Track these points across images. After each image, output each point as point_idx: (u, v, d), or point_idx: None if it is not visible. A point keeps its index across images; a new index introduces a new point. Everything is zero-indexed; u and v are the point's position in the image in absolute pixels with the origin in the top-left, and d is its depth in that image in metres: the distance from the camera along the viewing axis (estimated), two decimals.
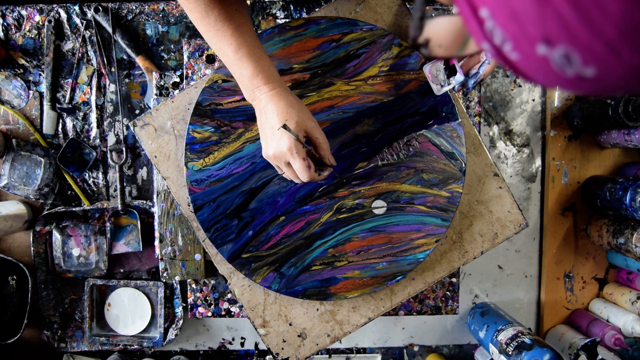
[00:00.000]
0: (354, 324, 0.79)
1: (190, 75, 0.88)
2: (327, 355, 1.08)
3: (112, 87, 1.01)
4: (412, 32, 0.39)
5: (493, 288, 1.10)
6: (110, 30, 0.98)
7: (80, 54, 1.00)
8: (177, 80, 0.91)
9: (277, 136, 0.62)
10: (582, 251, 1.07)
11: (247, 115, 0.76)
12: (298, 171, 0.62)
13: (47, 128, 1.00)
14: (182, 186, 0.78)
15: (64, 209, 0.98)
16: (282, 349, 0.79)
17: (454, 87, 0.72)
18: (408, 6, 0.79)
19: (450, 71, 0.72)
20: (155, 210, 0.86)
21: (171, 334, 1.00)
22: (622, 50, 0.23)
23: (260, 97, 0.64)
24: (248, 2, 0.98)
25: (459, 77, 0.70)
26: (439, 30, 0.45)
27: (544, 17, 0.23)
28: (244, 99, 0.75)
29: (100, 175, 1.02)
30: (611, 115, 0.90)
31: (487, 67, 0.68)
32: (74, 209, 0.98)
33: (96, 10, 0.97)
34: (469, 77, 0.70)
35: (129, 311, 1.02)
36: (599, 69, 0.24)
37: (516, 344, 0.86)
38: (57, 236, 1.00)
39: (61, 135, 1.01)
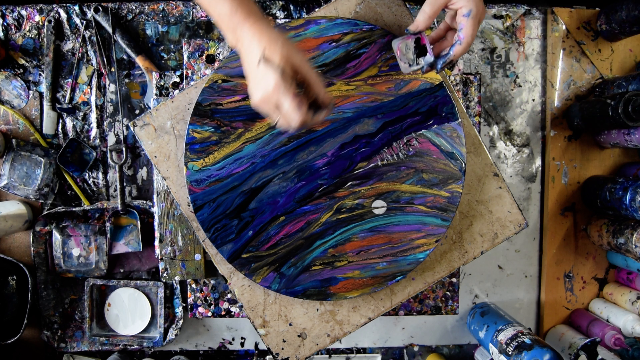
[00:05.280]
0: (354, 324, 0.79)
1: (190, 75, 0.88)
2: (327, 355, 1.08)
3: (112, 87, 1.01)
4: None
5: (493, 288, 1.10)
6: (110, 30, 0.98)
7: (80, 54, 1.00)
8: (177, 80, 0.91)
9: (261, 74, 0.56)
10: (582, 251, 1.07)
11: (247, 115, 0.76)
12: (288, 112, 0.56)
13: (47, 128, 1.00)
14: (182, 186, 0.78)
15: (64, 209, 0.98)
16: (282, 349, 0.79)
17: (422, 68, 0.69)
18: (408, 6, 0.79)
19: (420, 51, 0.69)
20: (155, 210, 0.86)
21: (171, 334, 1.00)
22: None
23: (242, 36, 0.57)
24: None
25: (429, 57, 0.66)
26: None
27: None
28: (244, 99, 0.75)
29: (100, 175, 1.02)
30: (611, 115, 0.90)
31: (458, 47, 0.65)
32: (74, 209, 0.98)
33: (96, 10, 0.97)
34: (439, 57, 0.67)
35: (129, 311, 1.02)
36: None
37: (516, 344, 0.86)
38: (57, 236, 1.00)
39: (61, 135, 1.01)
